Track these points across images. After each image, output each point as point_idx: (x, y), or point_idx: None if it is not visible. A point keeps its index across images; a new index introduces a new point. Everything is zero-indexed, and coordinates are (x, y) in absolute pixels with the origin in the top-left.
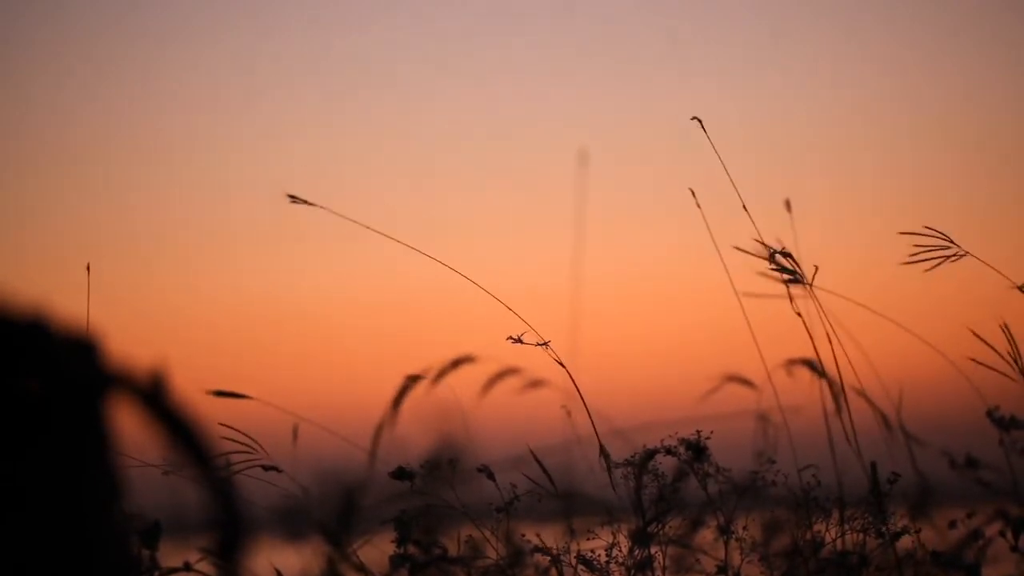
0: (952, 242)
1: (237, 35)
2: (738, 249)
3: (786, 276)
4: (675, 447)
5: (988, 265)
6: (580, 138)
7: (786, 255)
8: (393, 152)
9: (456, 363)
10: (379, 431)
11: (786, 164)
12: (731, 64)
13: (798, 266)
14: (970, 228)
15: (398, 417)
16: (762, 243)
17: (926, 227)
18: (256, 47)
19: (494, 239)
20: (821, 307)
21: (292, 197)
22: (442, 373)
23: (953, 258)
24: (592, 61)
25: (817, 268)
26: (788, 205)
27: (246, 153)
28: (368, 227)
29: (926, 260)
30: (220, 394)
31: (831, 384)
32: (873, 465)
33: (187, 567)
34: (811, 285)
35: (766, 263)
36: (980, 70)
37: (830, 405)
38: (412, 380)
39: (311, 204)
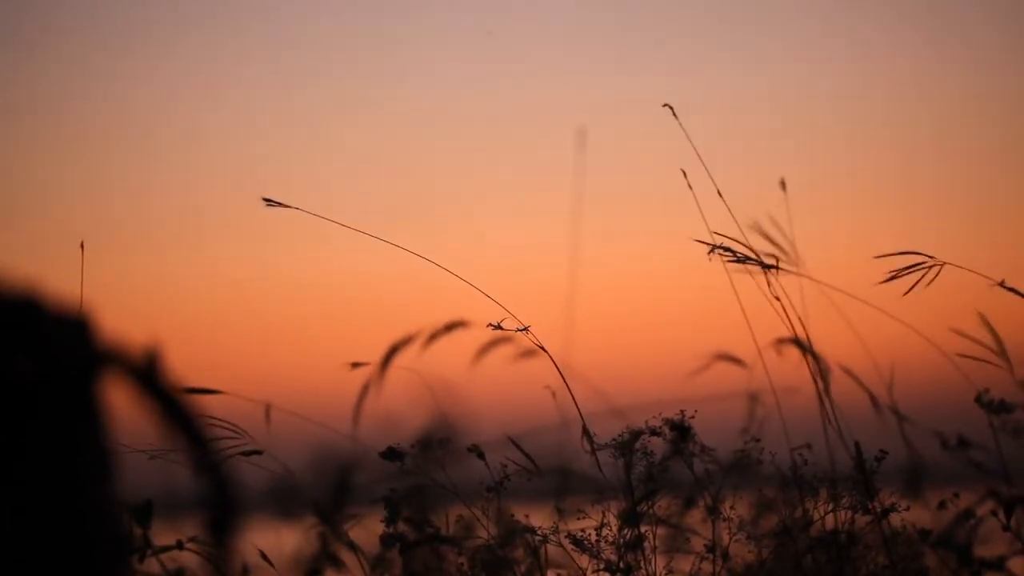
0: (929, 257)
1: (227, 25)
2: (698, 241)
3: (746, 263)
4: (660, 427)
5: (969, 270)
6: (576, 119)
7: (729, 249)
8: (389, 134)
9: (448, 327)
10: (365, 391)
11: (780, 148)
12: (726, 50)
13: (757, 253)
14: (956, 220)
15: (384, 379)
16: (728, 238)
17: (902, 251)
18: (246, 30)
19: (490, 220)
20: (801, 292)
21: (268, 201)
22: (433, 337)
23: (932, 274)
24: (587, 42)
25: (797, 253)
26: (783, 184)
27: (233, 137)
28: (343, 224)
29: (904, 279)
30: (192, 391)
31: (818, 363)
32: (857, 445)
33: (180, 546)
34: (779, 269)
35: (724, 252)
36: (967, 58)
37: (819, 384)
38: (402, 342)
39: (287, 206)
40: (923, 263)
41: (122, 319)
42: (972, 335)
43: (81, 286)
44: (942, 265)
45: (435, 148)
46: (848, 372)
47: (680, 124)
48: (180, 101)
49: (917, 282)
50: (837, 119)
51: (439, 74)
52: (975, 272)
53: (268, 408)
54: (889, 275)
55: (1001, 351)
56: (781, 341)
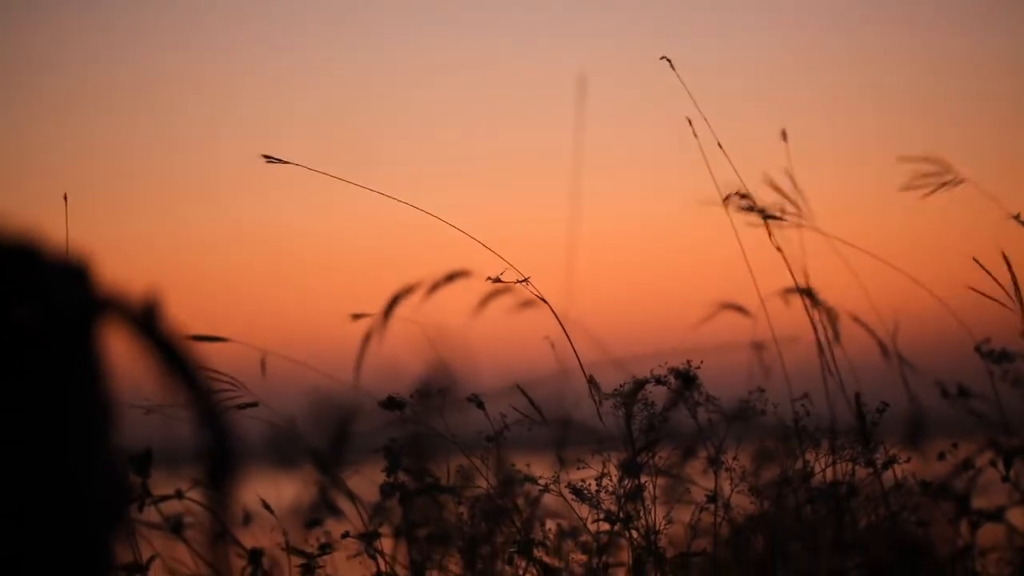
0: (950, 168)
1: None
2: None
3: (763, 213)
4: (665, 377)
5: (985, 193)
6: (574, 71)
7: (746, 196)
8: (389, 87)
9: (450, 277)
10: (367, 340)
11: (784, 96)
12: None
13: (757, 203)
14: (968, 160)
15: (386, 328)
16: (740, 187)
17: (925, 155)
18: None
19: (494, 174)
20: (802, 243)
21: (267, 157)
22: (435, 286)
23: (951, 184)
24: None
25: (799, 206)
26: (784, 135)
27: (232, 87)
28: (344, 180)
29: (924, 186)
30: (197, 338)
31: (828, 312)
32: (857, 396)
33: (179, 495)
34: (783, 220)
35: (737, 201)
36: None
37: (827, 333)
38: (404, 292)
39: (286, 163)
40: (944, 173)
41: (123, 269)
42: (990, 270)
43: (66, 237)
44: (962, 180)
45: (435, 102)
46: (857, 320)
47: (679, 78)
48: (181, 52)
49: (935, 190)
50: (838, 65)
51: (439, 26)
52: (992, 198)
53: (264, 359)
54: (911, 181)
55: (1015, 291)
56: (789, 291)
